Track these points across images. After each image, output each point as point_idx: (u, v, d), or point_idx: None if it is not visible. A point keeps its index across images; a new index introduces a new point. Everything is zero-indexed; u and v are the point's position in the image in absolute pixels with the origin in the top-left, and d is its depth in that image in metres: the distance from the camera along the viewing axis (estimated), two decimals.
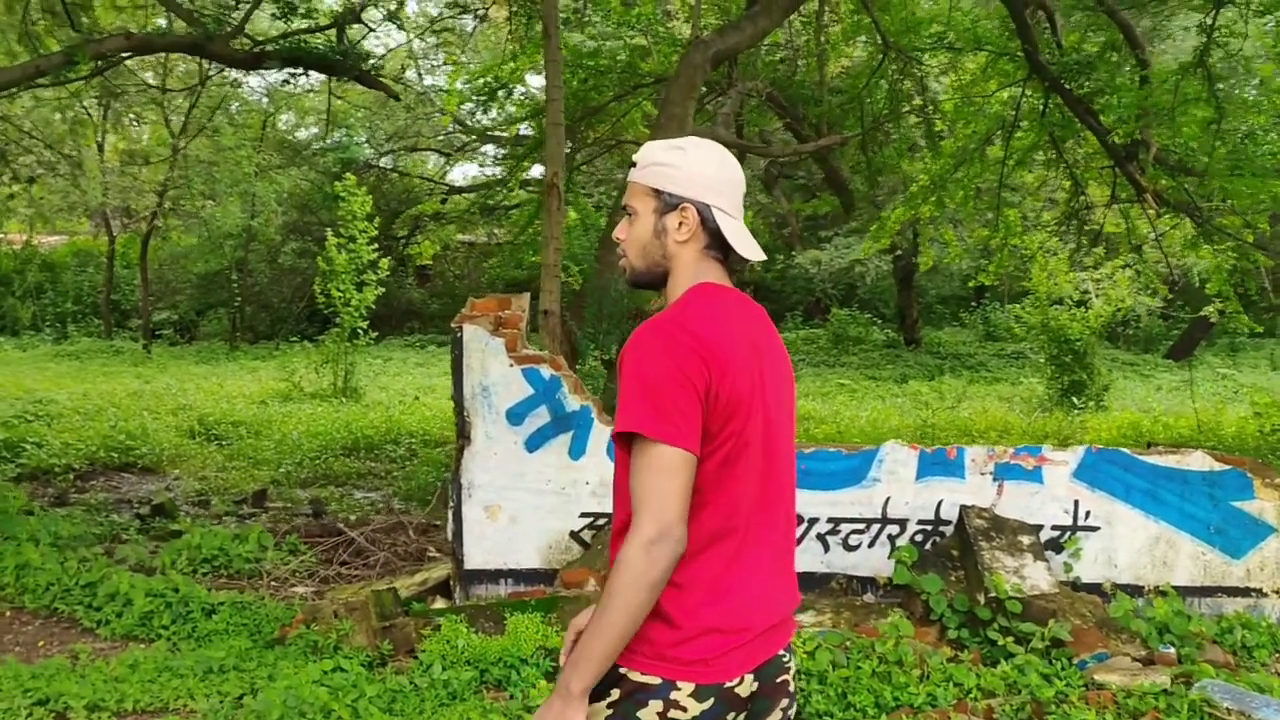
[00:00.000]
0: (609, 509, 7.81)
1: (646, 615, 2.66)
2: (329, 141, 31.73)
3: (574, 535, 7.92)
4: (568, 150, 17.42)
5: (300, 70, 11.53)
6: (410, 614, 7.50)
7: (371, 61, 12.23)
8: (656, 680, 2.72)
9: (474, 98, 17.00)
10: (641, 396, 2.66)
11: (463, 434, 7.93)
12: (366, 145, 30.24)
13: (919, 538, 7.86)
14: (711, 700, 2.73)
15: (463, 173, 55.21)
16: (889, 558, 7.83)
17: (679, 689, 2.71)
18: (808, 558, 7.86)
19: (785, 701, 2.98)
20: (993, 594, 6.86)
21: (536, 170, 34.11)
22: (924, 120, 14.47)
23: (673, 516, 2.60)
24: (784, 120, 15.70)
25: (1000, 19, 14.16)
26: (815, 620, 7.37)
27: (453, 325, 8.08)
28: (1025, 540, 7.37)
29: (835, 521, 7.87)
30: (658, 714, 2.72)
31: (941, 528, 7.85)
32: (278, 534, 9.99)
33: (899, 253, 28.85)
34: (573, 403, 7.91)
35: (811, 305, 36.70)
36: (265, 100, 32.05)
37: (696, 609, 2.73)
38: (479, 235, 36.33)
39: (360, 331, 21.01)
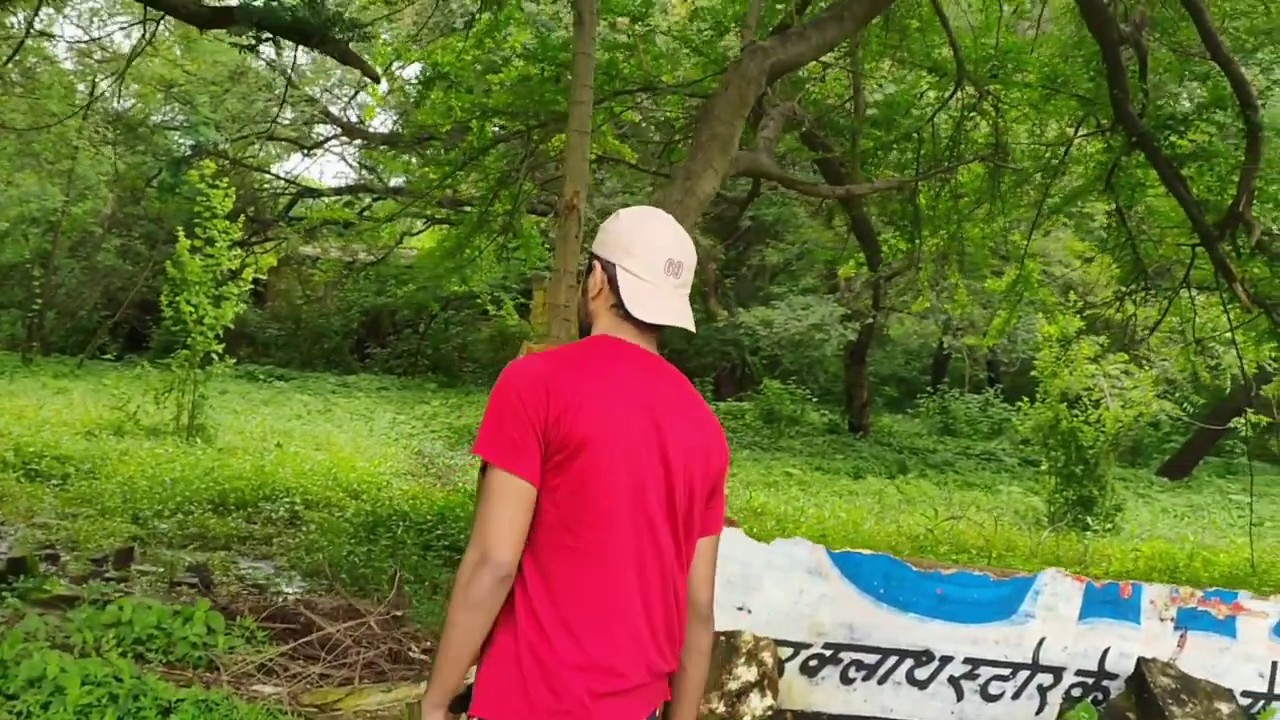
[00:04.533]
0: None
1: (477, 635, 3.22)
2: (167, 118, 30.89)
3: None
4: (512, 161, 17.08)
5: (267, 37, 11.01)
6: None
7: (358, 30, 11.75)
8: None
9: (408, 83, 16.50)
10: (486, 423, 3.27)
11: None
12: (216, 128, 29.47)
13: (1076, 692, 7.64)
14: None
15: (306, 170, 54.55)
16: (1037, 714, 7.60)
17: None
18: (936, 705, 7.60)
19: None
20: None
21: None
22: (993, 167, 14.34)
23: (495, 542, 3.18)
24: (815, 155, 15.48)
25: (1086, 58, 14.14)
26: None
27: None
28: (1224, 709, 7.19)
29: (974, 663, 7.61)
30: None
31: (1105, 682, 7.64)
32: (226, 615, 9.47)
33: (870, 319, 28.87)
34: None
35: (722, 374, 36.56)
36: (71, 59, 31.18)
37: (565, 656, 3.23)
38: (324, 249, 35.71)
39: (216, 356, 20.34)
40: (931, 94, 15.81)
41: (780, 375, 34.86)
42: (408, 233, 32.30)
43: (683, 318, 3.47)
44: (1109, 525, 20.01)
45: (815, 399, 33.86)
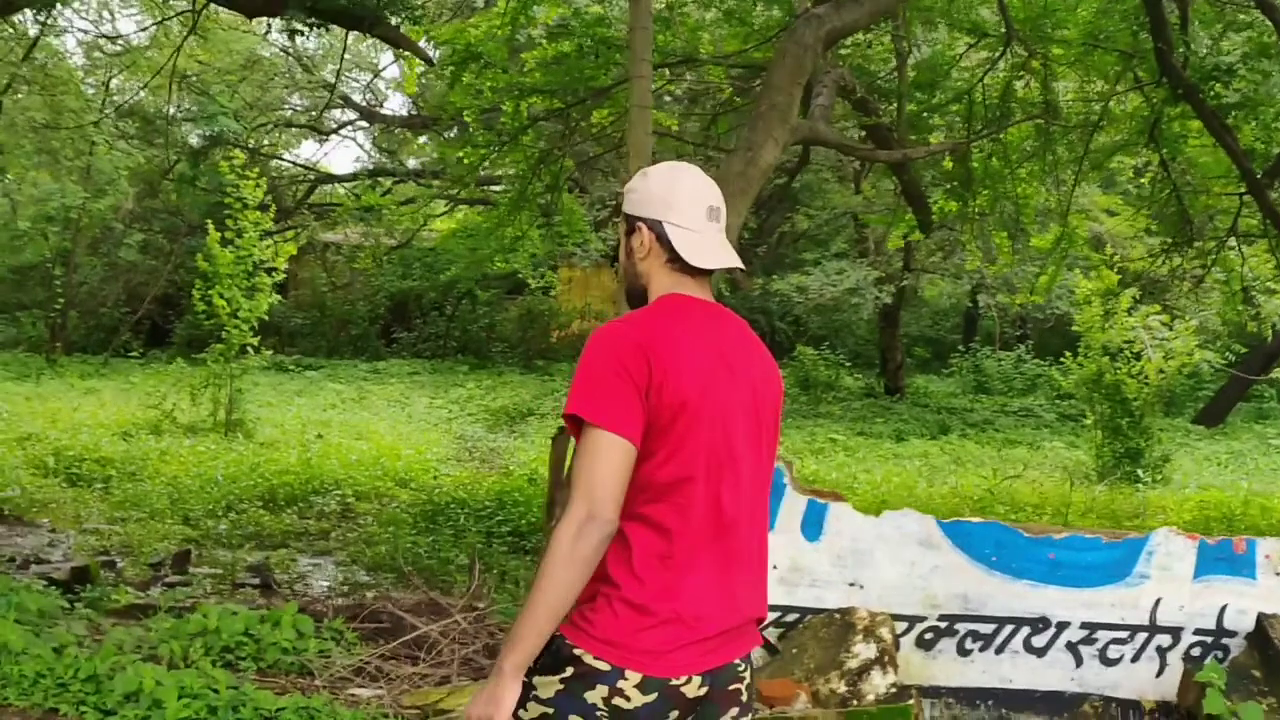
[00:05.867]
0: (801, 600, 7.43)
1: (577, 592, 3.27)
2: (183, 109, 30.74)
3: None
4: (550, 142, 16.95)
5: (317, 22, 10.83)
6: None
7: (410, 11, 11.54)
8: (607, 666, 3.31)
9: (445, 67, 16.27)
10: (583, 385, 3.34)
11: None
12: (235, 118, 29.35)
13: (1195, 651, 7.53)
14: (655, 694, 3.33)
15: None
16: (1157, 676, 7.50)
17: (626, 678, 3.31)
18: (1055, 672, 7.50)
19: (735, 710, 3.55)
20: None
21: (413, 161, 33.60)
22: (1044, 126, 14.24)
23: (602, 496, 3.24)
24: (869, 120, 15.33)
25: (1125, 12, 14.01)
26: None
27: None
28: None
29: (1090, 627, 7.51)
30: (603, 699, 3.31)
31: (1224, 640, 7.53)
32: (315, 617, 9.33)
33: (905, 281, 28.78)
34: None
35: None
36: (77, 54, 31.05)
37: (652, 600, 3.32)
38: (345, 234, 35.68)
39: (251, 349, 20.24)
40: (974, 55, 15.70)
41: (808, 341, 34.75)
42: (432, 215, 32.11)
43: (734, 259, 3.67)
44: (1158, 476, 19.88)
45: (848, 364, 33.71)
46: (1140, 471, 19.61)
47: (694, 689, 3.38)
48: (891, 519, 7.48)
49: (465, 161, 17.65)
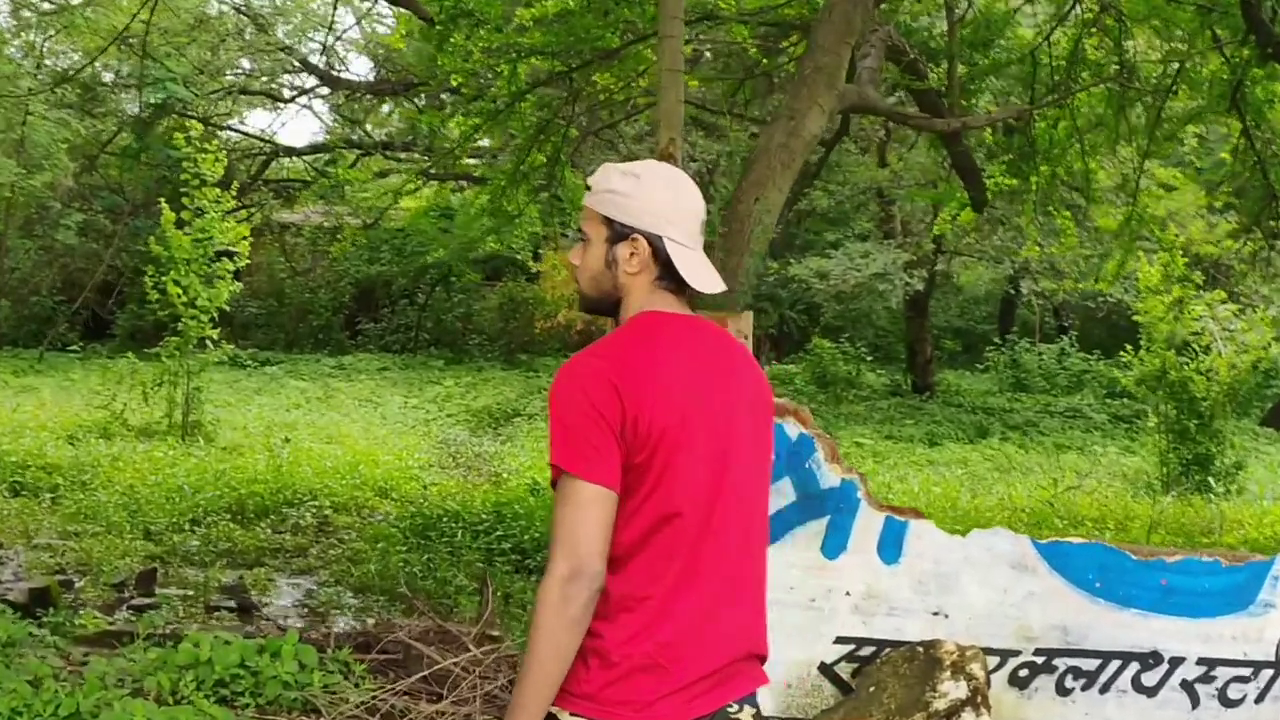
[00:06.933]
0: (879, 631, 7.25)
1: (573, 654, 3.29)
2: (122, 75, 30.57)
3: (825, 669, 7.29)
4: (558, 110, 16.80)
5: None
6: None
7: None
8: None
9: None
10: (558, 430, 3.36)
11: None
12: (184, 84, 29.12)
13: None
14: None
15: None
16: None
17: None
18: (1168, 714, 7.32)
19: None
20: None
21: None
22: (1118, 89, 14.11)
23: (586, 552, 3.26)
24: (924, 85, 15.09)
25: None
26: None
27: None
28: None
29: (1209, 664, 7.33)
30: None
31: None
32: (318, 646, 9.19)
33: (935, 266, 28.61)
34: (830, 476, 7.28)
35: (760, 335, 36.25)
36: (3, 12, 30.91)
37: (627, 647, 3.35)
38: (308, 213, 35.55)
39: (210, 343, 20.03)
40: (1032, 10, 15.59)
41: (823, 332, 34.53)
42: (402, 192, 31.93)
43: (720, 281, 3.66)
44: (1232, 486, 19.69)
45: (870, 357, 33.52)
46: (1212, 480, 19.44)
47: None
48: (980, 538, 7.29)
49: (458, 132, 17.48)
